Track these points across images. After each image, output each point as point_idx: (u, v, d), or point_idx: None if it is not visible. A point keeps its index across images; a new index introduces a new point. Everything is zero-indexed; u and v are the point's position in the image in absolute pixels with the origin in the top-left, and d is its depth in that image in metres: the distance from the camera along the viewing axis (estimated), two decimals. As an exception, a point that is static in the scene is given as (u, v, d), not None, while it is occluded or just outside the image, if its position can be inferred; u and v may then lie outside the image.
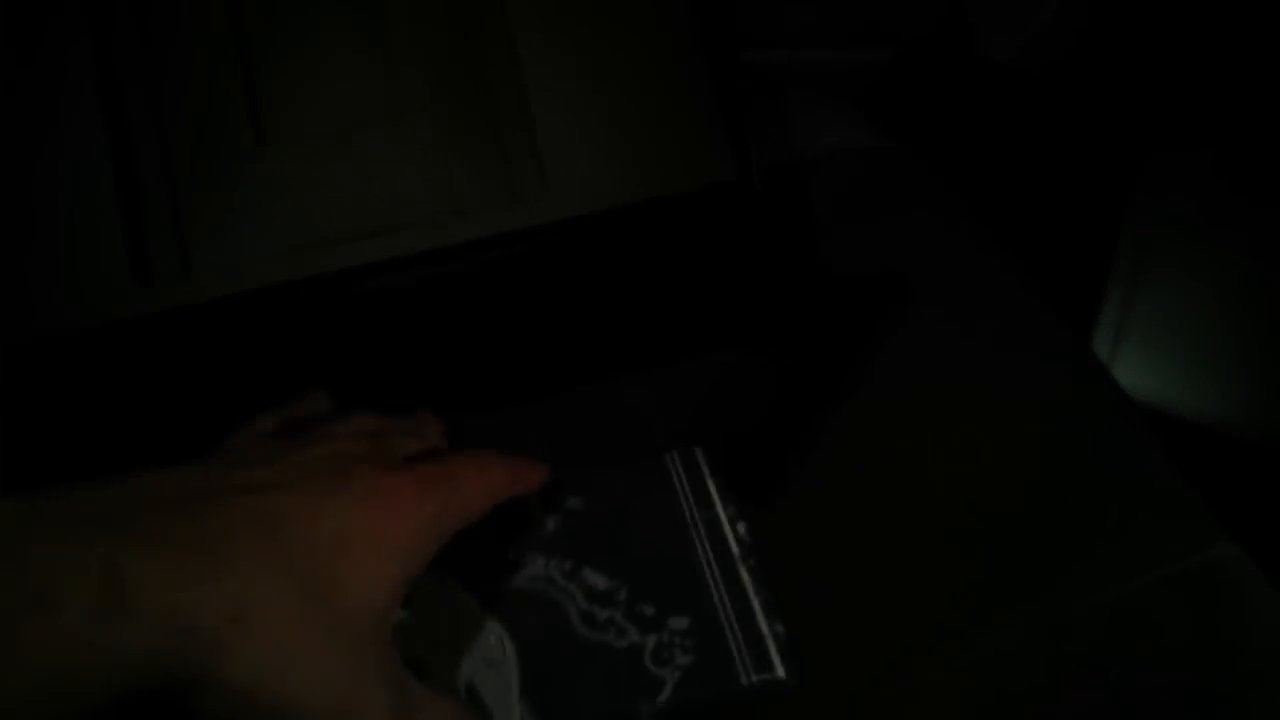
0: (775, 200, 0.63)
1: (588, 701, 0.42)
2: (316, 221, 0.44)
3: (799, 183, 0.65)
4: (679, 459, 0.50)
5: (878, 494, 0.55)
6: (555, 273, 0.47)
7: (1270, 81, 0.80)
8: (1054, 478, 0.56)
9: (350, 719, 0.32)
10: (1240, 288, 0.72)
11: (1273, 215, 0.75)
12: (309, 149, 0.44)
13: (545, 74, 0.43)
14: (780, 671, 0.44)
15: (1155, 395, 0.67)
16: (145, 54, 0.43)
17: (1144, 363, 0.67)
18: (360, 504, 0.34)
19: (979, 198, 0.72)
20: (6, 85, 0.42)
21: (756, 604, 0.46)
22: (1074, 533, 0.54)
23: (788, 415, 0.58)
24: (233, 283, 0.43)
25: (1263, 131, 0.79)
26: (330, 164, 0.44)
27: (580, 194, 0.43)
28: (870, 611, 0.52)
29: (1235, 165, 0.79)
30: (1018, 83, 0.88)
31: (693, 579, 0.46)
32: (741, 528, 0.48)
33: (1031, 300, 0.63)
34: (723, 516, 0.48)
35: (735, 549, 0.48)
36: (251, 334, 0.45)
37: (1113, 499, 0.55)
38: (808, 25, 0.82)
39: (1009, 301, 0.63)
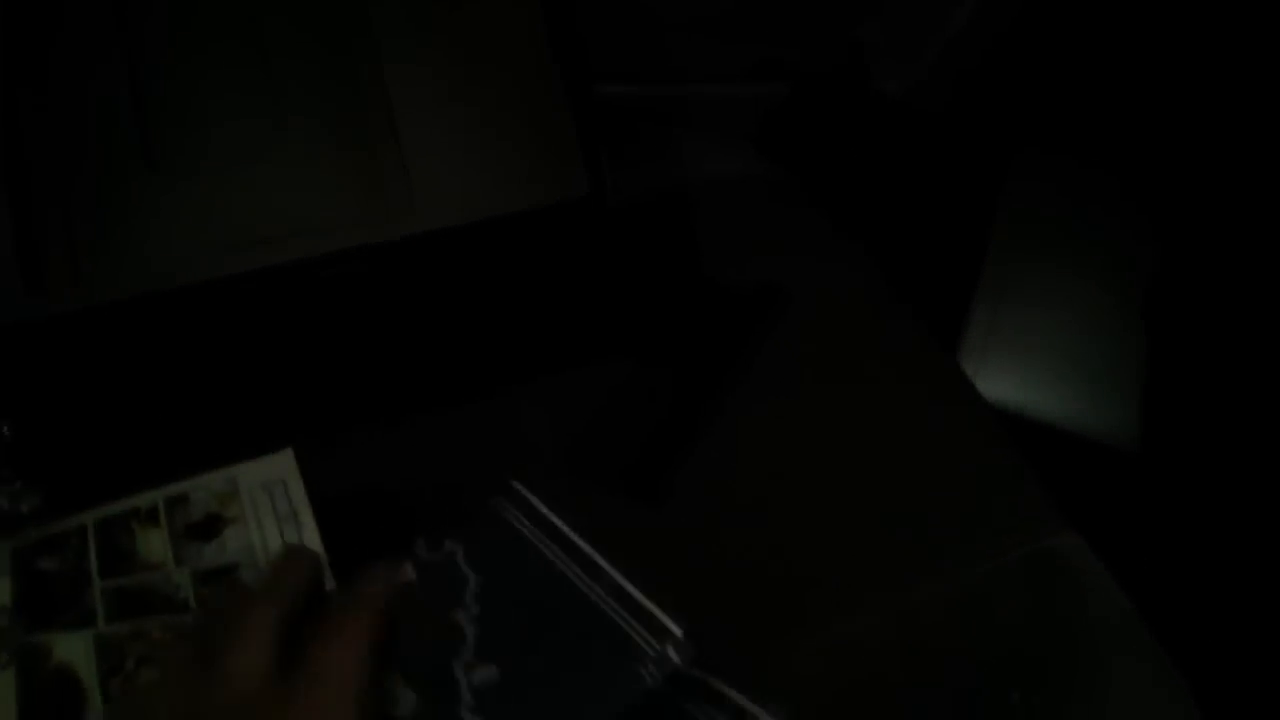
0: (660, 224, 0.67)
1: None
2: (202, 236, 0.47)
3: (683, 207, 0.70)
4: (509, 504, 0.51)
5: (747, 491, 0.59)
6: (431, 282, 0.51)
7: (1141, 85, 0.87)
8: (910, 475, 0.60)
9: None
10: (1098, 297, 0.78)
11: (1134, 205, 0.81)
12: (196, 173, 0.47)
13: (412, 101, 0.48)
14: (675, 629, 0.46)
15: (1018, 402, 0.72)
16: (44, 85, 0.47)
17: (1008, 372, 0.72)
18: None
19: (861, 222, 0.76)
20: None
21: (633, 590, 0.47)
22: (925, 525, 0.58)
23: (672, 419, 0.62)
24: (123, 290, 0.47)
25: (1132, 126, 0.86)
26: (215, 186, 0.48)
27: (445, 209, 0.47)
28: (739, 598, 0.55)
29: (1103, 157, 0.85)
30: (907, 117, 0.94)
31: (575, 600, 0.47)
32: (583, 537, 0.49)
33: (896, 313, 0.68)
34: (569, 533, 0.49)
35: (595, 555, 0.49)
36: (142, 339, 0.49)
37: (963, 494, 0.60)
38: (705, 61, 0.87)
39: (874, 314, 0.68)
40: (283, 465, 0.50)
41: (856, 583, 0.57)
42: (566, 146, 0.48)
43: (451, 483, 0.54)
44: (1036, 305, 0.74)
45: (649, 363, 0.63)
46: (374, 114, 0.48)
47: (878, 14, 0.93)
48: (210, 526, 0.49)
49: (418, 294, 0.52)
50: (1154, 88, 0.90)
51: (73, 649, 0.46)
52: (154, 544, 0.49)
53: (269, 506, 0.49)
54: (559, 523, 0.50)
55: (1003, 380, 0.70)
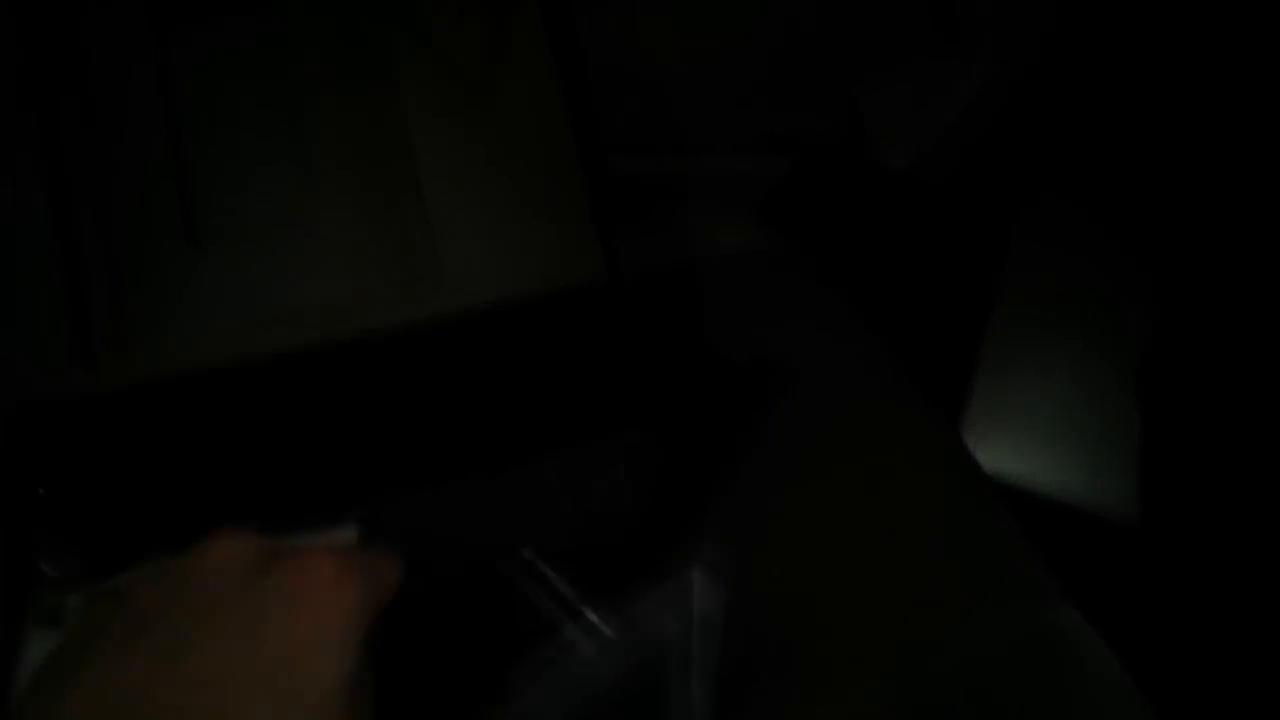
0: (667, 299, 0.70)
1: None
2: (242, 312, 0.50)
3: (687, 280, 0.72)
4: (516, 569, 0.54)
5: (745, 564, 0.60)
6: (455, 359, 0.53)
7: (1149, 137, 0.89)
8: (909, 547, 0.62)
9: None
10: (1102, 369, 0.80)
11: (1139, 276, 0.83)
12: (235, 248, 0.50)
13: (443, 191, 0.50)
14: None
15: (1018, 474, 0.74)
16: (91, 160, 0.50)
17: (1009, 444, 0.73)
18: (281, 617, 0.33)
19: (864, 293, 0.79)
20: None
21: None
22: (929, 601, 0.60)
23: (679, 493, 0.64)
24: (168, 365, 0.49)
25: (1137, 182, 0.88)
26: (254, 261, 0.50)
27: (469, 290, 0.50)
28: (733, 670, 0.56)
29: (1107, 225, 0.88)
30: (910, 191, 0.96)
31: None
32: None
33: (898, 386, 0.70)
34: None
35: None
36: (185, 414, 0.51)
37: (965, 569, 0.61)
38: (710, 135, 0.89)
39: (877, 387, 0.70)
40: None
41: (852, 656, 0.58)
42: (585, 234, 0.51)
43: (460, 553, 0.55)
44: (1039, 377, 0.76)
45: (651, 438, 0.65)
46: (405, 197, 0.50)
47: (881, 89, 0.96)
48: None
49: (441, 369, 0.54)
50: (1157, 157, 0.93)
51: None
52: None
53: None
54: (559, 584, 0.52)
55: (1004, 452, 0.72)
